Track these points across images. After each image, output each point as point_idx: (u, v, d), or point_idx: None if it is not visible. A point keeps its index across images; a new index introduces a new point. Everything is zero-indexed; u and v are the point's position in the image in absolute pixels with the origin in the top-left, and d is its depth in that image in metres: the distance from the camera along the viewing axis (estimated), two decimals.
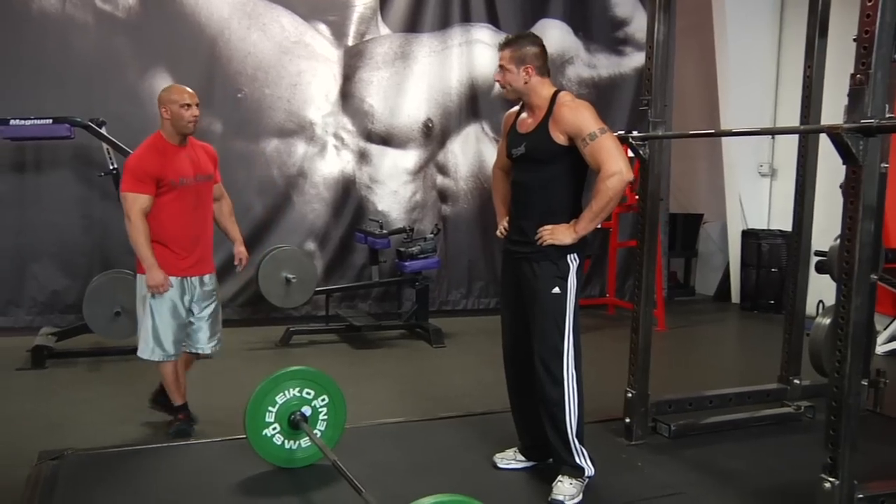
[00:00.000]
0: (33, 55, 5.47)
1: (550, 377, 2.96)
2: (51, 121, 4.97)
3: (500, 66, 2.93)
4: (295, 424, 3.10)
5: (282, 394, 3.11)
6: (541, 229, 2.89)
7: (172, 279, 3.48)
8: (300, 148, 6.46)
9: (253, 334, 5.89)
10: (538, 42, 2.94)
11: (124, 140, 5.15)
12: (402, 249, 6.01)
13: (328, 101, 6.52)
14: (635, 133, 3.50)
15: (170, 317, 3.51)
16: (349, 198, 6.67)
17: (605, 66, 7.53)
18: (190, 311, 3.60)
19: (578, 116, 2.83)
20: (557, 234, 2.88)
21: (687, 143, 8.12)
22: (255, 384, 3.10)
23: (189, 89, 3.52)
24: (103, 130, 5.02)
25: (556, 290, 2.91)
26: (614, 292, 7.47)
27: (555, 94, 2.94)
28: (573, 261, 2.95)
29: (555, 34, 7.26)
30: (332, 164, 6.59)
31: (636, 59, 7.51)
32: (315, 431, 3.12)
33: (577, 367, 3.02)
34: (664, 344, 5.64)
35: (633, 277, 3.91)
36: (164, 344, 3.51)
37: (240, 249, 3.89)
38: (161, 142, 3.47)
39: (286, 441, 3.12)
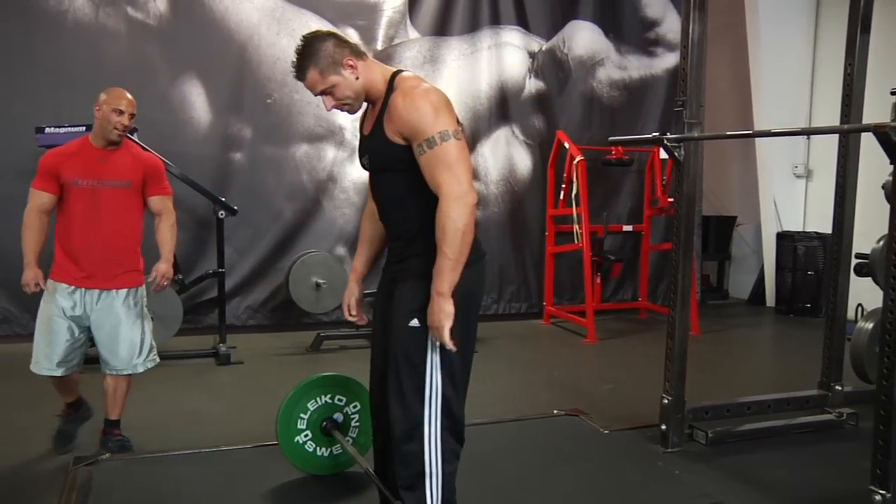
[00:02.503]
0: (68, 64, 5.52)
1: (401, 456, 2.25)
2: (84, 128, 5.00)
3: (322, 93, 2.24)
4: (327, 431, 3.08)
5: (313, 400, 3.08)
6: (429, 322, 2.14)
7: (63, 287, 3.23)
8: (330, 153, 6.45)
9: (283, 339, 5.90)
10: (325, 33, 2.26)
11: (155, 146, 5.17)
12: None
13: None
14: (669, 135, 3.43)
15: (45, 330, 3.24)
16: None
17: (636, 67, 7.45)
18: (86, 329, 3.31)
19: (413, 111, 2.11)
20: (436, 317, 2.11)
21: (719, 144, 8.02)
22: (285, 390, 3.08)
23: (129, 96, 3.29)
24: (135, 137, 5.03)
25: (415, 322, 2.21)
26: (647, 296, 7.37)
27: (393, 77, 2.26)
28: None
29: (585, 36, 7.21)
30: (361, 168, 6.52)
31: (667, 60, 7.44)
32: (347, 438, 3.10)
33: (443, 460, 2.24)
34: (699, 348, 5.54)
35: (666, 281, 3.84)
36: (50, 358, 3.24)
37: (158, 266, 3.44)
38: (82, 142, 3.30)
39: (318, 448, 3.10)
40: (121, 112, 3.24)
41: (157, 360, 3.54)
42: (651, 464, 3.38)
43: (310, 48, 2.21)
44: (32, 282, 3.20)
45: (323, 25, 6.24)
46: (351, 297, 2.63)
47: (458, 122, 2.19)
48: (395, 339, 2.24)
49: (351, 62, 2.22)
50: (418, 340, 2.21)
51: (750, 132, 3.10)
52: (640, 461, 3.41)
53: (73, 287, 3.24)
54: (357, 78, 2.22)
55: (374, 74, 2.25)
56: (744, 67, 7.61)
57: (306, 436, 3.08)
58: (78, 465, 3.17)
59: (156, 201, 3.49)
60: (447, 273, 2.09)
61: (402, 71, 2.28)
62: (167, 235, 3.54)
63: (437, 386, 2.22)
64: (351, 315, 2.63)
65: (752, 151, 7.81)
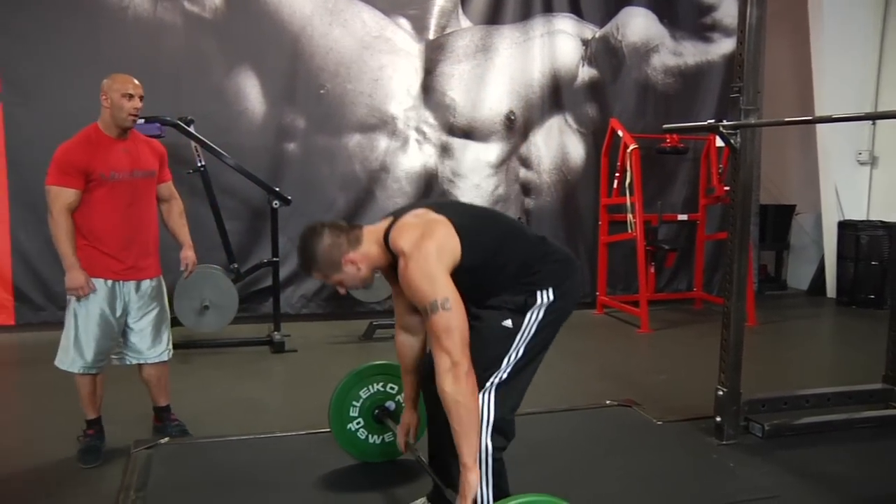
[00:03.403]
0: (127, 58, 5.64)
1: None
2: (143, 120, 5.10)
3: (334, 284, 2.40)
4: (379, 419, 3.10)
5: (366, 388, 3.11)
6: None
7: (102, 284, 3.17)
8: (382, 142, 6.48)
9: (337, 328, 5.96)
10: (318, 230, 2.33)
11: (211, 137, 5.29)
12: None
13: (410, 96, 6.53)
14: (726, 122, 3.35)
15: (95, 326, 3.18)
16: (431, 192, 6.67)
17: (692, 53, 7.31)
18: (124, 320, 3.28)
19: (407, 288, 2.20)
20: (462, 490, 2.15)
21: (777, 131, 7.80)
22: (338, 378, 3.11)
23: (135, 80, 3.19)
24: (191, 129, 5.14)
25: (508, 323, 2.32)
26: (702, 286, 7.26)
27: (386, 239, 2.31)
28: (544, 296, 2.35)
29: (639, 22, 7.10)
30: (414, 158, 6.60)
31: (724, 46, 7.27)
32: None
33: (493, 448, 2.32)
34: (755, 340, 5.43)
35: (721, 271, 3.76)
36: (84, 355, 3.19)
37: (187, 254, 3.54)
38: (96, 133, 3.16)
39: (370, 435, 3.13)
40: (131, 96, 3.15)
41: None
42: (705, 456, 3.33)
43: (307, 251, 2.33)
44: (86, 284, 3.12)
45: (375, 16, 6.27)
46: (410, 428, 2.77)
47: (459, 246, 2.23)
48: (481, 331, 2.28)
49: (350, 258, 2.31)
50: (507, 338, 2.31)
51: (811, 118, 2.99)
52: (693, 453, 3.37)
53: (110, 281, 3.20)
54: (359, 269, 2.33)
55: (373, 251, 2.34)
56: (804, 52, 7.39)
57: (359, 423, 3.11)
58: (138, 449, 3.26)
59: (165, 188, 3.48)
60: (464, 446, 2.13)
61: (390, 228, 2.31)
62: (182, 221, 3.58)
63: (499, 382, 2.29)
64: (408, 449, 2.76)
65: (813, 138, 7.59)
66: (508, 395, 2.31)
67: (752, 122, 3.32)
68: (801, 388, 3.93)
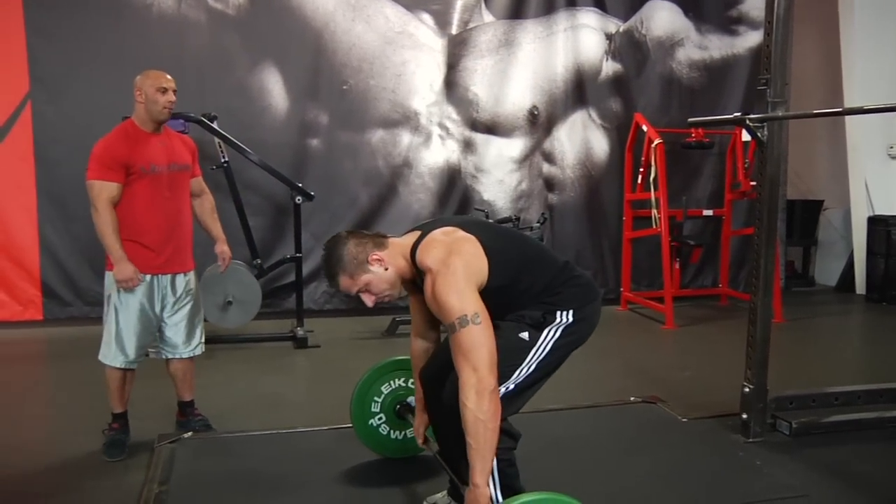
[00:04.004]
0: (152, 55, 5.65)
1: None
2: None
3: (358, 294, 2.33)
4: (400, 415, 3.09)
5: (387, 384, 3.10)
6: None
7: (143, 278, 3.19)
8: (405, 138, 6.48)
9: (360, 324, 5.97)
10: (343, 236, 2.32)
11: (234, 134, 5.30)
12: None
13: (432, 91, 6.51)
14: (752, 115, 3.29)
15: (136, 320, 3.21)
16: (455, 187, 6.66)
17: (718, 46, 7.23)
18: (160, 314, 3.31)
19: (433, 304, 2.16)
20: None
21: (805, 125, 7.70)
22: (361, 373, 3.11)
23: (168, 75, 3.24)
24: (215, 125, 5.16)
25: (525, 335, 2.30)
26: (727, 282, 7.18)
27: (413, 254, 2.29)
28: (563, 316, 2.34)
29: (664, 16, 7.04)
30: (437, 153, 6.58)
31: (750, 39, 7.19)
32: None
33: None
34: (782, 336, 5.35)
35: (748, 267, 3.70)
36: (126, 349, 3.22)
37: (223, 248, 3.59)
38: (132, 128, 3.19)
39: (392, 431, 3.12)
40: (165, 90, 3.18)
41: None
42: (731, 454, 3.28)
43: (333, 257, 2.29)
44: (135, 276, 3.14)
45: (398, 11, 6.26)
46: (425, 427, 2.75)
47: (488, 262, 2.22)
48: (497, 339, 2.20)
49: (376, 256, 2.28)
50: (521, 351, 2.28)
51: (840, 109, 2.94)
52: (719, 451, 3.32)
53: (149, 276, 3.22)
54: (386, 269, 2.30)
55: (399, 260, 2.32)
56: (833, 42, 7.27)
57: (380, 419, 3.10)
58: (162, 443, 3.28)
59: (196, 183, 3.51)
60: (477, 463, 2.07)
61: (417, 243, 2.28)
62: (214, 216, 3.61)
63: (505, 392, 2.25)
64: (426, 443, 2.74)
65: (842, 132, 7.47)
66: (510, 406, 2.29)
67: (780, 114, 3.26)
68: (830, 386, 3.87)
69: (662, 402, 3.91)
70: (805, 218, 8.12)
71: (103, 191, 3.09)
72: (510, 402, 2.27)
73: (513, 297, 2.32)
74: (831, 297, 7.76)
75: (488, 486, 2.12)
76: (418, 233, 2.36)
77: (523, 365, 2.29)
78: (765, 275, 3.42)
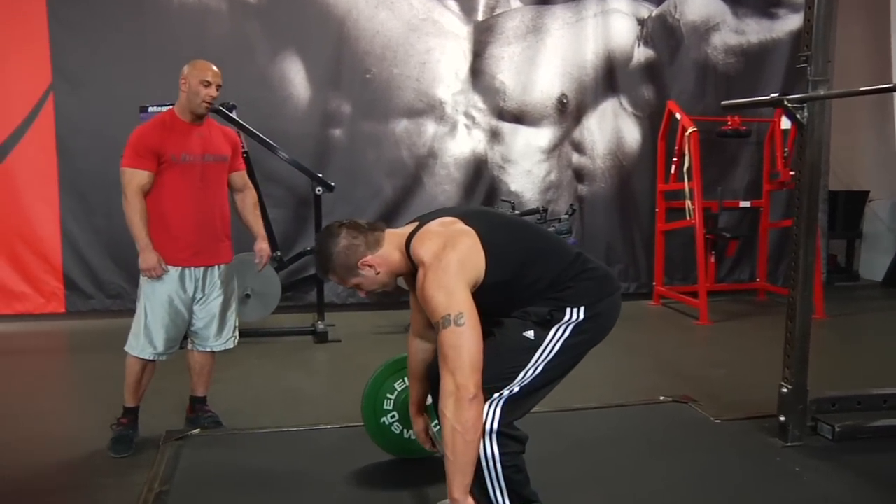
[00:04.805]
0: (173, 44, 5.59)
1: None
2: None
3: (353, 287, 2.27)
4: None
5: (401, 380, 2.95)
6: None
7: (173, 270, 3.16)
8: (430, 128, 6.32)
9: (382, 318, 5.84)
10: (335, 230, 2.20)
11: (256, 124, 5.20)
12: None
13: (458, 79, 6.35)
14: (791, 95, 3.07)
15: (164, 313, 3.16)
16: (481, 178, 6.49)
17: (755, 31, 6.95)
18: (192, 307, 3.26)
19: (426, 294, 2.01)
20: None
21: (849, 112, 7.36)
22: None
23: (215, 68, 3.20)
24: (234, 114, 5.06)
25: (530, 334, 2.14)
26: (766, 276, 6.93)
27: (408, 247, 2.16)
28: (574, 312, 2.17)
29: (697, 0, 6.77)
30: (462, 143, 6.42)
31: (791, 22, 6.90)
32: (434, 422, 2.95)
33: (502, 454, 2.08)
34: (824, 333, 5.11)
35: (787, 260, 3.47)
36: (155, 342, 3.17)
37: (261, 246, 3.51)
38: (171, 117, 3.18)
39: (405, 430, 2.97)
40: (208, 84, 3.14)
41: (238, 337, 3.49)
42: (768, 459, 3.07)
43: (323, 254, 2.21)
44: (158, 265, 3.10)
45: None
46: (425, 431, 2.68)
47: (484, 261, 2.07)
48: (499, 338, 2.14)
49: (367, 262, 2.18)
50: (526, 351, 2.13)
51: (890, 86, 2.70)
52: (755, 455, 3.11)
53: (179, 268, 3.18)
54: (378, 273, 2.20)
55: (393, 257, 2.20)
56: (881, 30, 6.93)
57: (393, 417, 2.96)
58: (168, 441, 3.17)
59: (238, 176, 3.45)
60: (455, 477, 1.96)
61: (412, 235, 2.16)
62: (256, 212, 3.54)
63: (509, 395, 2.10)
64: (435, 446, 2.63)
65: (889, 120, 7.12)
66: (514, 411, 2.11)
67: (822, 93, 3.03)
68: (877, 387, 3.61)
69: (694, 402, 3.70)
70: (849, 209, 7.81)
71: (133, 178, 3.07)
72: (514, 407, 2.11)
73: (517, 292, 2.16)
74: (877, 292, 7.45)
75: (468, 499, 1.98)
76: (416, 224, 2.22)
77: (528, 366, 2.12)
78: (804, 267, 3.20)
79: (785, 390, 3.23)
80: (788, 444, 3.18)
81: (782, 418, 3.22)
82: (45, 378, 4.44)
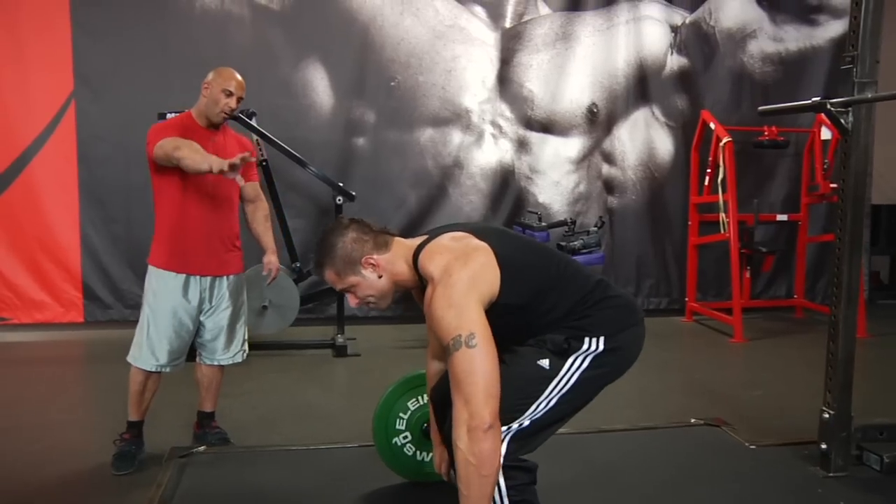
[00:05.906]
0: (195, 51, 5.54)
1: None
2: None
3: (343, 291, 2.12)
4: (429, 434, 2.77)
5: (414, 399, 2.80)
6: None
7: (177, 277, 3.04)
8: (456, 137, 6.19)
9: (404, 332, 5.69)
10: (345, 224, 2.11)
11: (278, 132, 5.11)
12: (562, 244, 5.56)
13: (485, 88, 6.21)
14: (835, 99, 2.87)
15: (167, 323, 3.05)
16: (508, 189, 6.34)
17: (794, 38, 6.73)
18: (197, 318, 3.14)
19: (434, 312, 1.86)
20: None
21: (890, 120, 7.07)
22: None
23: (239, 77, 3.11)
24: (253, 122, 4.97)
25: (545, 362, 2.00)
26: (804, 293, 6.67)
27: (416, 260, 2.03)
28: (593, 343, 2.02)
29: (734, 6, 6.61)
30: (489, 153, 6.28)
31: (832, 29, 6.67)
32: None
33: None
34: (867, 354, 4.85)
35: (826, 276, 3.26)
36: (157, 353, 3.05)
37: (270, 259, 3.39)
38: (188, 120, 3.10)
39: (418, 452, 2.81)
40: (230, 94, 3.06)
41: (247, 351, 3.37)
42: (808, 490, 2.85)
43: (326, 244, 2.08)
44: (221, 162, 2.71)
45: (448, 4, 5.99)
46: (448, 462, 2.45)
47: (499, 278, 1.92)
48: (511, 366, 1.97)
49: (371, 260, 2.05)
50: (540, 381, 1.98)
51: None
52: (793, 485, 2.89)
53: (183, 276, 3.07)
54: (380, 276, 2.07)
55: (399, 266, 2.07)
56: None
57: (405, 437, 2.80)
58: (172, 458, 3.04)
59: (251, 187, 3.34)
60: None
61: (420, 248, 2.03)
62: (267, 224, 3.42)
63: (518, 429, 1.95)
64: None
65: None
66: (521, 447, 1.94)
67: (869, 96, 2.82)
68: None
69: (728, 426, 3.49)
70: (892, 224, 7.53)
71: (165, 143, 2.87)
72: (523, 442, 1.94)
73: (533, 319, 2.00)
74: None
75: None
76: (426, 237, 2.08)
77: (542, 398, 1.96)
78: (848, 283, 2.98)
79: (827, 415, 3.00)
80: (831, 474, 2.95)
81: (824, 446, 2.99)
82: (58, 388, 4.36)
